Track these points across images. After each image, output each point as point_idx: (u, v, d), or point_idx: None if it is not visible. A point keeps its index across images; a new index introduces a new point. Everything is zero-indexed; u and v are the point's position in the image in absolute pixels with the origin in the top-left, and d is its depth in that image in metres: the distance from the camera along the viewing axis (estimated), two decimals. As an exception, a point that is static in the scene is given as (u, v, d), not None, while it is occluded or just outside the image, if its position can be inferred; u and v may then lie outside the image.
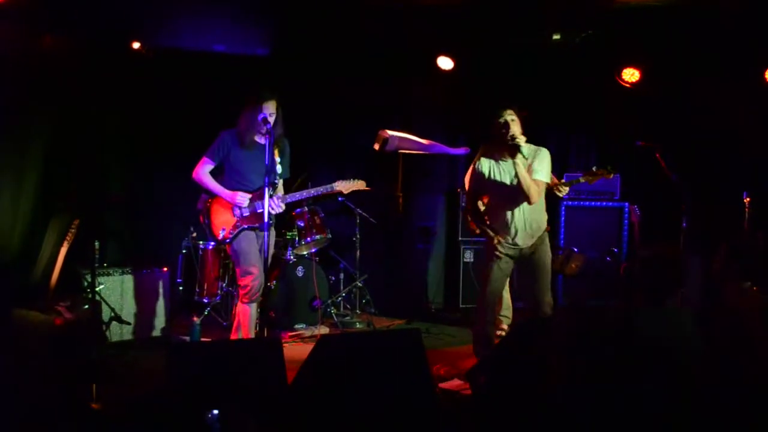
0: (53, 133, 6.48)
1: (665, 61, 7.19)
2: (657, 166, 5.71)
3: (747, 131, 6.98)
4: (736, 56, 6.80)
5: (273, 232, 5.37)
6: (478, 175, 4.99)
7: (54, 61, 6.32)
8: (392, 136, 6.96)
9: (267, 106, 5.00)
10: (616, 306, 7.00)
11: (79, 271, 5.81)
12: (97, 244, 5.46)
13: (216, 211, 5.24)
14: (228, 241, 5.17)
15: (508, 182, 4.92)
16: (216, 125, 5.31)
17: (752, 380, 3.35)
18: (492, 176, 4.94)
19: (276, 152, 5.10)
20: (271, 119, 5.01)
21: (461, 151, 7.43)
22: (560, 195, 5.87)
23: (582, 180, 5.89)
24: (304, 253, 6.77)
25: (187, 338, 5.96)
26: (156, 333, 6.12)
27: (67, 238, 5.49)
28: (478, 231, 5.36)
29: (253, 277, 5.08)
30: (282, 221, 5.38)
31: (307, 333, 6.52)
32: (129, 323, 5.95)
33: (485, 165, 4.98)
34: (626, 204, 7.24)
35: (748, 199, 6.24)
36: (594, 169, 5.84)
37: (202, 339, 5.92)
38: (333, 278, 7.25)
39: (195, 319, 6.01)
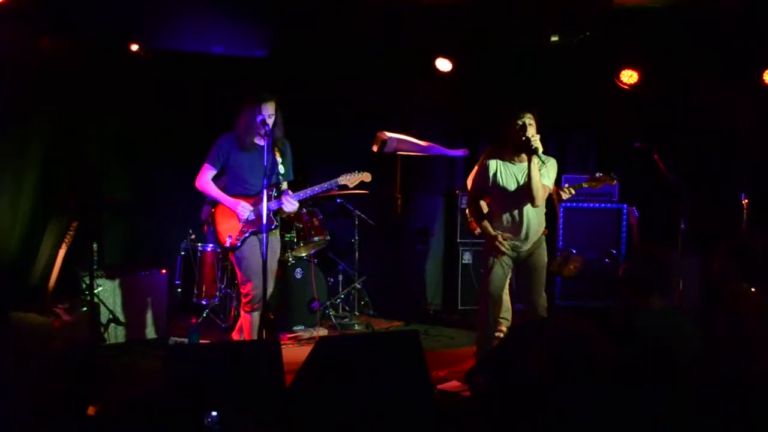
0: (52, 135, 6.48)
1: (664, 62, 7.19)
2: (655, 168, 5.71)
3: (745, 132, 6.99)
4: (734, 57, 6.81)
5: (278, 236, 5.35)
6: (483, 175, 4.97)
7: (53, 63, 6.32)
8: (391, 137, 6.96)
9: (266, 107, 4.97)
10: (615, 306, 7.00)
11: (78, 272, 5.80)
12: (95, 246, 5.46)
13: (221, 218, 5.18)
14: (235, 247, 5.10)
15: (513, 185, 4.91)
16: (215, 127, 5.31)
17: (752, 381, 3.35)
18: (498, 177, 4.94)
19: (277, 154, 5.09)
20: (270, 120, 4.98)
21: (460, 152, 7.43)
22: (564, 197, 5.89)
23: (585, 185, 5.92)
24: (303, 254, 6.77)
25: (186, 340, 5.95)
26: (154, 335, 6.12)
27: (66, 239, 5.49)
28: (477, 232, 5.35)
29: (253, 285, 5.03)
30: (281, 223, 5.37)
31: (306, 335, 6.51)
32: (127, 325, 5.94)
33: (492, 166, 4.96)
34: (625, 205, 7.24)
35: (746, 200, 6.25)
36: (598, 175, 5.86)
37: (201, 341, 5.91)
38: (332, 280, 7.25)
39: (193, 321, 6.00)
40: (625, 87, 7.40)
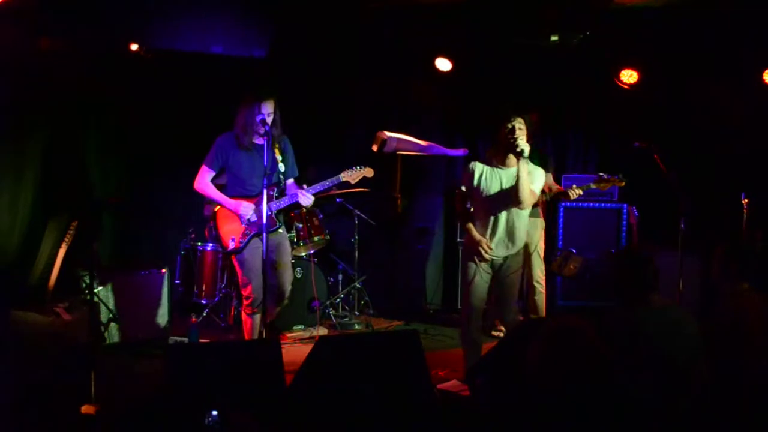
0: (52, 134, 6.49)
1: (664, 62, 7.19)
2: (655, 167, 5.71)
3: (746, 132, 6.99)
4: (734, 57, 6.80)
5: (285, 235, 5.31)
6: (469, 177, 4.98)
7: (53, 62, 6.32)
8: (390, 137, 6.96)
9: (265, 106, 4.91)
10: (615, 305, 7.00)
11: (78, 272, 5.80)
12: (95, 245, 5.46)
13: (222, 220, 5.13)
14: (239, 249, 5.06)
15: (496, 189, 4.85)
16: (215, 126, 5.30)
17: (752, 380, 3.35)
18: (482, 181, 4.89)
19: (276, 152, 5.05)
20: (269, 119, 4.93)
21: (459, 152, 7.43)
22: (571, 198, 5.89)
23: (593, 186, 5.93)
24: (303, 254, 6.77)
25: (186, 339, 5.96)
26: (154, 334, 6.11)
27: (66, 239, 5.49)
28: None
29: (254, 287, 5.00)
30: (283, 222, 5.38)
31: (306, 334, 6.52)
32: (127, 324, 5.94)
33: (478, 169, 4.92)
34: (624, 205, 7.24)
35: (746, 200, 6.24)
36: (605, 176, 5.87)
37: (201, 340, 5.91)
38: (331, 279, 7.24)
39: (193, 320, 6.00)
40: (625, 87, 7.40)
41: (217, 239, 5.23)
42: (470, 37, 7.15)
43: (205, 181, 5.10)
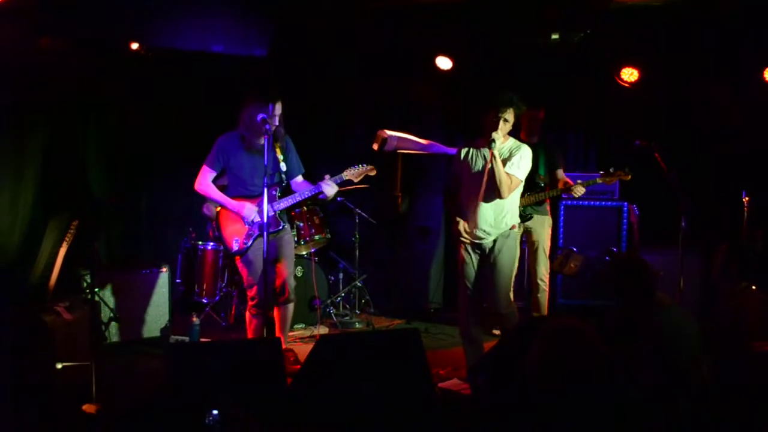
0: (52, 134, 6.48)
1: (664, 60, 7.19)
2: (656, 166, 5.71)
3: (746, 130, 6.98)
4: (735, 56, 6.80)
5: (289, 231, 5.28)
6: (457, 160, 5.07)
7: (53, 62, 6.31)
8: (391, 136, 6.96)
9: (278, 106, 4.88)
10: (614, 304, 7.00)
11: (78, 271, 5.80)
12: (96, 244, 5.46)
13: (225, 222, 5.09)
14: (243, 251, 5.03)
15: (479, 167, 4.92)
16: (215, 125, 5.29)
17: (751, 378, 3.35)
18: (468, 158, 5.00)
19: (278, 151, 5.03)
20: (278, 119, 4.91)
21: (460, 151, 7.42)
22: (576, 196, 5.90)
23: (599, 181, 5.97)
24: (303, 253, 6.77)
25: (187, 338, 5.96)
26: (155, 333, 6.12)
27: (66, 238, 5.49)
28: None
29: (258, 288, 4.99)
30: (287, 222, 5.37)
31: (307, 333, 6.52)
32: (128, 323, 5.95)
33: (463, 151, 5.06)
34: (625, 203, 7.23)
35: (747, 198, 6.24)
36: (611, 170, 5.89)
37: (201, 339, 5.92)
38: (332, 278, 7.25)
39: (194, 319, 6.01)
40: (626, 85, 7.39)
41: (220, 240, 5.21)
42: (471, 36, 7.14)
43: (206, 182, 5.06)
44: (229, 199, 5.04)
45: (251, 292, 5.05)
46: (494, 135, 4.75)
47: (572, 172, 7.34)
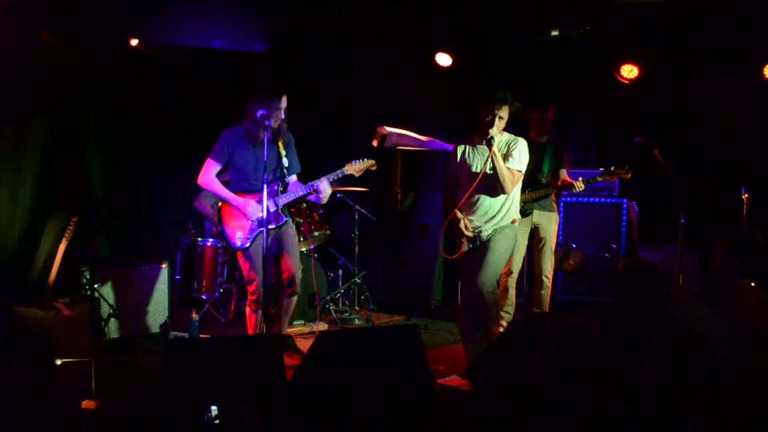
0: (52, 130, 6.48)
1: (664, 56, 7.19)
2: (655, 162, 5.71)
3: (746, 127, 6.99)
4: (735, 52, 6.80)
5: (291, 225, 5.29)
6: (453, 159, 5.10)
7: (52, 58, 6.31)
8: (391, 132, 6.95)
9: (284, 101, 4.92)
10: (615, 302, 7.00)
11: (78, 268, 5.80)
12: (95, 241, 5.46)
13: (227, 217, 5.07)
14: (246, 246, 5.01)
15: (478, 165, 4.95)
16: (215, 121, 5.29)
17: (750, 377, 3.35)
18: (465, 157, 5.04)
19: (280, 146, 5.04)
20: (283, 114, 4.94)
21: (460, 148, 7.42)
22: (576, 190, 5.92)
23: (600, 179, 5.97)
24: (303, 249, 6.77)
25: (186, 335, 5.96)
26: (155, 330, 6.12)
27: (66, 235, 5.49)
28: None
29: (258, 283, 4.99)
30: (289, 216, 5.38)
31: (306, 329, 6.52)
32: (127, 320, 5.95)
33: (460, 148, 5.09)
34: (624, 200, 7.24)
35: (746, 195, 6.24)
36: (612, 168, 5.90)
37: (201, 335, 5.92)
38: (332, 275, 7.25)
39: (194, 315, 6.01)
40: (626, 81, 7.39)
41: (222, 236, 5.19)
42: (470, 32, 7.14)
43: (210, 176, 5.04)
44: (233, 196, 5.03)
45: (252, 287, 5.06)
46: (492, 132, 4.77)
47: (572, 169, 7.35)
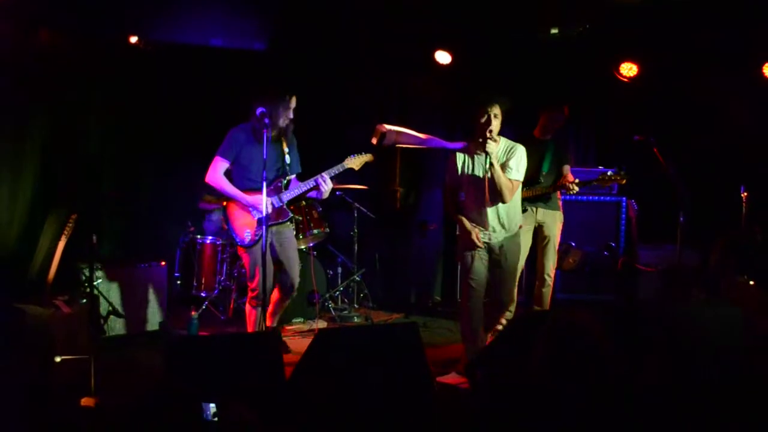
0: (51, 127, 6.47)
1: (663, 55, 7.19)
2: (655, 160, 5.71)
3: (745, 125, 6.99)
4: (734, 50, 6.80)
5: (290, 228, 5.31)
6: (453, 167, 5.03)
7: (51, 56, 6.30)
8: (390, 130, 6.93)
9: (293, 100, 4.97)
10: (615, 300, 7.01)
11: (77, 265, 5.80)
12: (94, 238, 5.46)
13: (234, 214, 5.11)
14: (254, 242, 5.04)
15: (480, 176, 4.91)
16: (214, 119, 5.29)
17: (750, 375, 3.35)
18: (466, 169, 4.97)
19: (284, 144, 5.05)
20: (291, 112, 4.99)
21: (459, 145, 7.37)
22: (571, 192, 5.91)
23: (595, 183, 5.95)
24: (302, 247, 6.77)
25: (185, 332, 5.97)
26: (154, 327, 6.12)
27: (65, 232, 5.49)
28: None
29: (259, 280, 5.00)
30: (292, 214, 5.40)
31: (305, 327, 6.52)
32: (126, 317, 5.95)
33: (459, 158, 5.02)
34: (623, 198, 7.24)
35: (745, 193, 6.25)
36: (608, 175, 5.88)
37: (200, 333, 5.92)
38: (331, 272, 7.25)
39: (193, 313, 6.02)
40: (625, 80, 7.39)
41: (231, 233, 5.20)
42: (470, 29, 7.13)
43: (218, 174, 5.06)
44: (243, 195, 5.06)
45: (252, 284, 5.08)
46: (488, 148, 4.73)
47: (571, 167, 7.36)
